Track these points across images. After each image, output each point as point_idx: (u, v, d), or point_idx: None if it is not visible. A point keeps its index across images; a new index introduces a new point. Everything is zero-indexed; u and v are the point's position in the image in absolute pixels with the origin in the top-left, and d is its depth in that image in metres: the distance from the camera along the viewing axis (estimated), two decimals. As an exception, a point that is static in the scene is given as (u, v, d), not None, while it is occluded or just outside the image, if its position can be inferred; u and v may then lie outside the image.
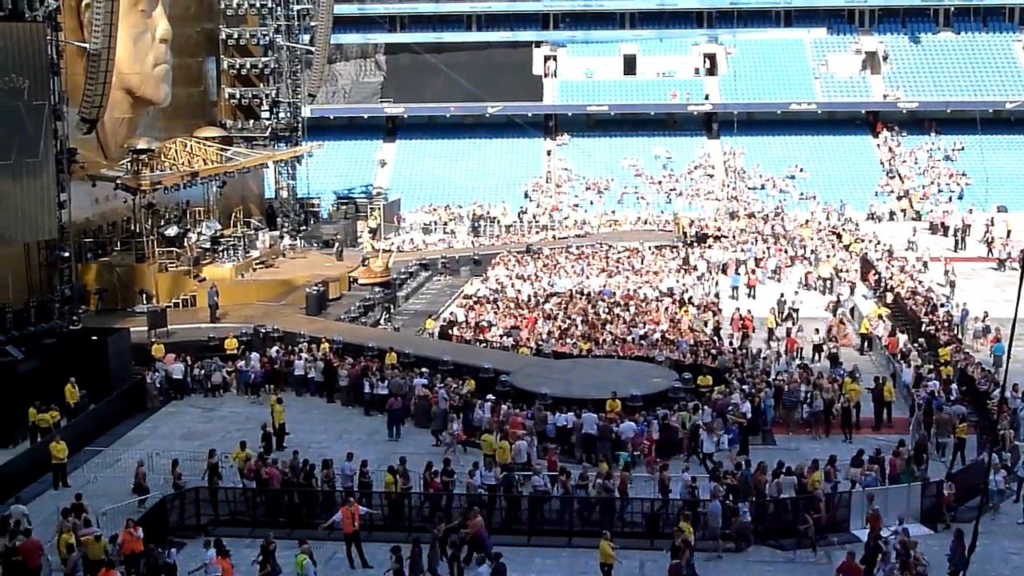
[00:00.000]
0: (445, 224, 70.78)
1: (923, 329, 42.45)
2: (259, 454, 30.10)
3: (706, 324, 44.81)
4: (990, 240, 60.18)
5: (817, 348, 41.74)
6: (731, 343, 42.64)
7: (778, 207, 70.65)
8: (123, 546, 23.95)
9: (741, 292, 52.29)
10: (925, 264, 55.47)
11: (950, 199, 71.38)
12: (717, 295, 50.76)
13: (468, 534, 24.65)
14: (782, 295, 49.11)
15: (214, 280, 46.84)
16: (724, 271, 55.25)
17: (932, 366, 37.85)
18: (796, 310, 48.02)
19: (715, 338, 42.93)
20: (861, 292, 51.35)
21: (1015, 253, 56.97)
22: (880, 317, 44.56)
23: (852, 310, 48.42)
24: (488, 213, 71.15)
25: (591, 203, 73.33)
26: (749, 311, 46.45)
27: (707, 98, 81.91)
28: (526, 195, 75.40)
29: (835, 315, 46.72)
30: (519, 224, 70.07)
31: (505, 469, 28.74)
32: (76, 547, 24.11)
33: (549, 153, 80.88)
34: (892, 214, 70.38)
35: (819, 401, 33.99)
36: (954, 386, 35.20)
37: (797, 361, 40.89)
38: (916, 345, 41.08)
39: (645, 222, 69.03)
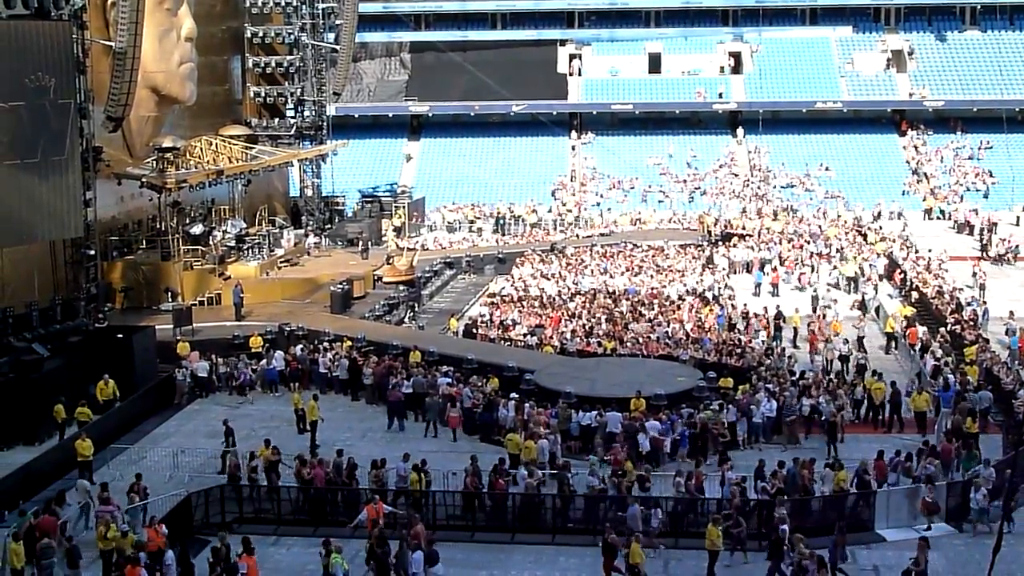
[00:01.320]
0: (471, 223, 70.80)
1: (949, 328, 42.19)
2: (311, 450, 30.17)
3: (739, 320, 44.76)
4: (988, 240, 59.78)
5: (844, 359, 41.11)
6: (750, 339, 42.45)
7: (788, 206, 70.31)
8: (148, 544, 24.03)
9: (764, 290, 52.08)
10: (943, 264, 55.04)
11: (962, 198, 70.76)
12: (732, 293, 50.47)
13: (410, 541, 24.12)
14: (815, 291, 48.90)
15: (239, 278, 46.99)
16: (748, 270, 55.06)
17: (951, 358, 37.66)
18: (828, 307, 47.77)
19: (739, 337, 42.75)
20: (886, 291, 51.05)
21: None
22: (907, 317, 44.26)
23: (878, 309, 48.15)
24: (512, 211, 71.14)
25: (618, 203, 73.16)
26: (778, 307, 46.30)
27: (720, 96, 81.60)
28: (553, 194, 75.32)
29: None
30: (543, 222, 70.03)
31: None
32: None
33: (574, 150, 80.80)
34: (900, 214, 69.76)
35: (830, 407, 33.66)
36: (970, 378, 34.88)
37: (819, 359, 40.80)
38: (939, 338, 40.84)
39: (670, 220, 68.89)
